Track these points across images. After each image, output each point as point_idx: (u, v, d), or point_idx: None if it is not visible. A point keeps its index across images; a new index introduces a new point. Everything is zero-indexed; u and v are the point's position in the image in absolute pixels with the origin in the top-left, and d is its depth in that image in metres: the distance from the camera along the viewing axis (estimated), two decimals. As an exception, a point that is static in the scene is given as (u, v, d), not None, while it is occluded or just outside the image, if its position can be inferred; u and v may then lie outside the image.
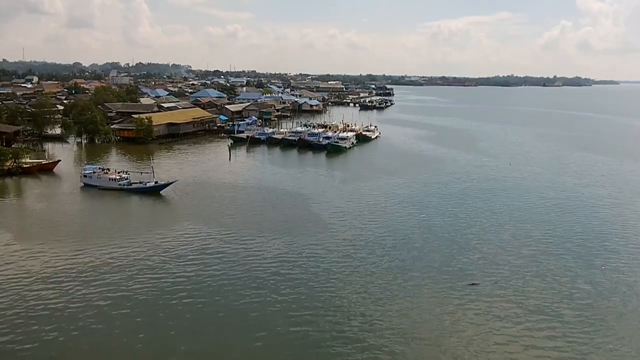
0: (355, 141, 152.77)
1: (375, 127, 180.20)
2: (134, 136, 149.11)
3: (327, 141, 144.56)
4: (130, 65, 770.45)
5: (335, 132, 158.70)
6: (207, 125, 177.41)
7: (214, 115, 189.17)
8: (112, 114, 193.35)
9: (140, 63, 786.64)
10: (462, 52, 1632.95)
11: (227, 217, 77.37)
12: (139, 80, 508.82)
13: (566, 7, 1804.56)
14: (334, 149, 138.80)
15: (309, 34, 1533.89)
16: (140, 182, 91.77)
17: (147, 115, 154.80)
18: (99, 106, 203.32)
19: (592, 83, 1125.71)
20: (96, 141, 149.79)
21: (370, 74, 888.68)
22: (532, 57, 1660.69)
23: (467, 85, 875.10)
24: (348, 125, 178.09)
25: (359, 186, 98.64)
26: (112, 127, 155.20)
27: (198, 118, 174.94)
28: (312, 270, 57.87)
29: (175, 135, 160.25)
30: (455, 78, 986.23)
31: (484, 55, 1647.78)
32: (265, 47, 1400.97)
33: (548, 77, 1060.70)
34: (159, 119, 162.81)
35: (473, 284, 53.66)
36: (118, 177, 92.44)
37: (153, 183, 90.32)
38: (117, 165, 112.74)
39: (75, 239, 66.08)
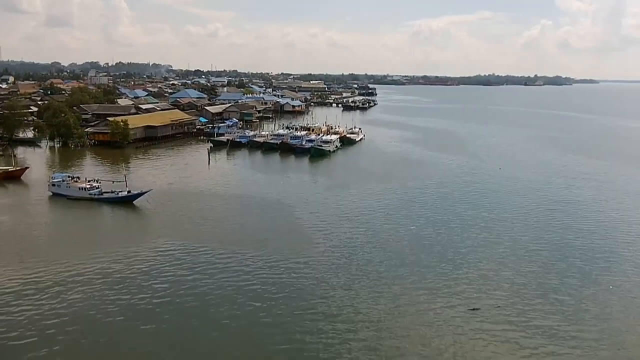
0: (339, 144, 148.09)
1: (360, 129, 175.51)
2: (109, 140, 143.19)
3: (310, 144, 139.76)
4: (109, 64, 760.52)
5: (319, 135, 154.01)
6: (186, 127, 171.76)
7: (194, 117, 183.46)
8: (87, 116, 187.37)
9: (120, 62, 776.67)
10: (443, 51, 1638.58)
11: (204, 229, 72.26)
12: (118, 80, 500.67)
13: (546, 6, 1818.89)
14: (317, 153, 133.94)
15: (290, 33, 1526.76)
16: (112, 192, 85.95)
17: (123, 117, 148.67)
18: (75, 108, 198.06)
19: (572, 82, 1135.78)
20: (70, 145, 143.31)
21: (352, 73, 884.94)
22: (513, 56, 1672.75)
23: (450, 85, 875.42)
24: (331, 127, 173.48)
25: (343, 194, 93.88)
26: (86, 130, 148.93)
27: (177, 120, 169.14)
28: (294, 287, 53.29)
29: (152, 139, 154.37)
30: (437, 77, 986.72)
31: (466, 54, 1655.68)
32: (246, 46, 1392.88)
33: (529, 76, 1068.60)
34: (136, 121, 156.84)
35: (473, 310, 49.18)
36: (88, 186, 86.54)
37: (126, 192, 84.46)
38: (91, 171, 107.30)
39: (38, 255, 60.67)
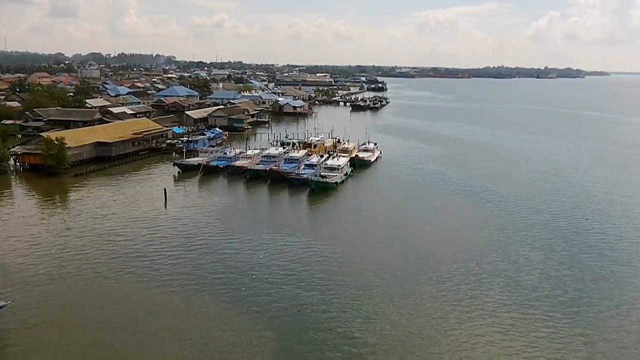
0: (349, 170, 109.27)
1: (375, 144, 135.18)
2: (42, 163, 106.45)
3: (310, 172, 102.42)
4: (111, 55, 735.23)
5: (322, 155, 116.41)
6: (154, 142, 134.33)
7: (165, 128, 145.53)
8: (41, 124, 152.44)
9: (122, 54, 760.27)
10: (451, 42, 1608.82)
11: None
12: (111, 72, 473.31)
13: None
14: (319, 187, 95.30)
15: (296, 24, 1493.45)
16: (-50, 300, 48.66)
17: (59, 134, 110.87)
18: (27, 112, 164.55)
19: (584, 74, 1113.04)
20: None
21: (359, 65, 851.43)
22: (521, 47, 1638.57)
23: (460, 77, 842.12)
24: (339, 142, 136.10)
25: (360, 285, 56.34)
26: (12, 150, 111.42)
27: (140, 134, 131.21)
28: None
29: (106, 159, 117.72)
30: (447, 69, 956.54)
31: (473, 45, 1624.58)
32: (252, 37, 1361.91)
33: (540, 68, 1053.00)
34: (83, 136, 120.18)
35: None
36: None
37: (-31, 305, 47.35)
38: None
39: None
